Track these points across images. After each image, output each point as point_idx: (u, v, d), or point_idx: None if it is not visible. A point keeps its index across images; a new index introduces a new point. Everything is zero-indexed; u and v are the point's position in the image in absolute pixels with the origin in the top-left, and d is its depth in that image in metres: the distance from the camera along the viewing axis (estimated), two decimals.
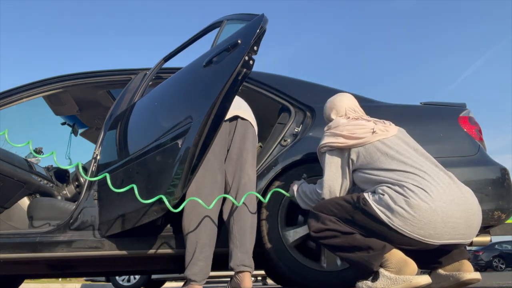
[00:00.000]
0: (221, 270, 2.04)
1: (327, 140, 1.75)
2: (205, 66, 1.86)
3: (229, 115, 1.96)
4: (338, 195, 1.70)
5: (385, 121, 1.78)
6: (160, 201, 1.78)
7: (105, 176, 1.87)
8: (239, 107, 2.05)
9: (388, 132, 1.68)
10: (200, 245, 1.85)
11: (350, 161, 1.70)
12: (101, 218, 2.13)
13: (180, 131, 1.80)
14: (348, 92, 2.04)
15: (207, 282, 9.65)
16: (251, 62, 1.70)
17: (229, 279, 1.96)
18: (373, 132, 1.67)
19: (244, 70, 1.70)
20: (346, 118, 1.82)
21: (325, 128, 1.82)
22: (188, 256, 1.86)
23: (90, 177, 2.24)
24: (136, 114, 2.20)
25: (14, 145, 1.83)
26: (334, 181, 1.71)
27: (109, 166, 2.15)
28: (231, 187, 1.96)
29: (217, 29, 2.18)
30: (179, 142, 1.77)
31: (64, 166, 1.96)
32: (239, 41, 1.73)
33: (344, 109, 1.86)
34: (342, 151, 1.71)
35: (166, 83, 2.13)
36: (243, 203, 1.90)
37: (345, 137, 1.69)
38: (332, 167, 1.72)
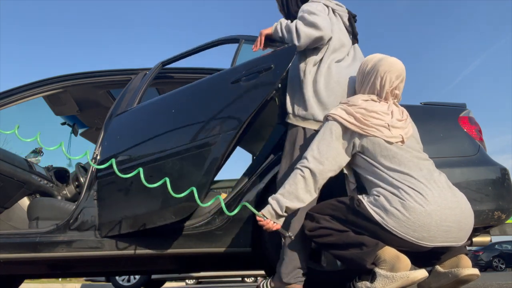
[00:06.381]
0: (231, 271, 2.06)
1: (339, 112, 1.65)
2: (233, 83, 1.94)
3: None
4: (322, 167, 1.60)
5: (404, 111, 1.69)
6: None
7: (139, 171, 1.80)
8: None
9: (399, 137, 1.61)
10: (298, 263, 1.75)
11: (352, 144, 1.64)
12: (103, 218, 2.12)
13: (204, 142, 1.88)
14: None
15: (215, 282, 9.66)
16: (279, 85, 1.89)
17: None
18: (387, 127, 1.61)
19: (274, 92, 1.87)
20: (368, 97, 1.67)
21: (342, 100, 1.72)
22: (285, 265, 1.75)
23: (90, 177, 2.24)
24: (148, 117, 2.19)
25: (23, 139, 1.83)
26: (323, 150, 1.61)
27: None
28: None
29: (223, 44, 2.30)
30: (205, 152, 1.87)
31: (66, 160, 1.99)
32: (272, 66, 1.84)
33: (386, 90, 1.68)
34: (346, 130, 1.64)
35: (183, 92, 2.12)
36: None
37: (356, 119, 1.62)
38: (333, 137, 1.63)
